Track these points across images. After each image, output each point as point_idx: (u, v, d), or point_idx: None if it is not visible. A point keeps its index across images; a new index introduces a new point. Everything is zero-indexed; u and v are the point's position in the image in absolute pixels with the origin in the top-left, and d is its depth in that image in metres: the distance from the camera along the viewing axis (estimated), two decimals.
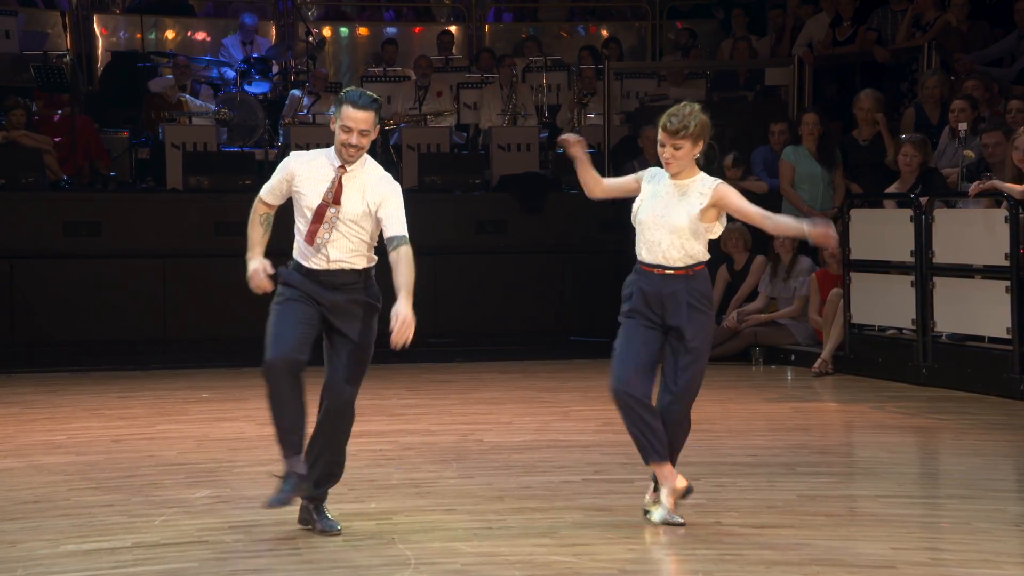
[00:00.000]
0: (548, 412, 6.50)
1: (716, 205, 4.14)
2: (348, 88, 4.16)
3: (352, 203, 4.08)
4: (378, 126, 4.08)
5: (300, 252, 4.14)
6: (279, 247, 4.26)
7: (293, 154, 4.24)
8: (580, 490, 4.59)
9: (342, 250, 4.08)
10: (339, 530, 4.10)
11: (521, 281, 9.76)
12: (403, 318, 3.90)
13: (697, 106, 4.18)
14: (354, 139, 4.02)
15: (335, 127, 4.07)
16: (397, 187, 4.13)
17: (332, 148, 4.13)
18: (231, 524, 4.24)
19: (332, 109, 4.18)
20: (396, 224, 4.08)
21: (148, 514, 4.37)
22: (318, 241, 4.07)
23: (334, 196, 4.07)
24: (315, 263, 4.11)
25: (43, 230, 9.22)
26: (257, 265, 4.12)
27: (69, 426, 6.18)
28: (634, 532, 4.14)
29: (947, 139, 8.00)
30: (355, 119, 4.01)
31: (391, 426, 6.01)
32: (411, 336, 3.91)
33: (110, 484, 4.87)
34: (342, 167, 4.09)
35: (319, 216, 4.06)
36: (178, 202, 9.59)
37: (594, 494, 4.62)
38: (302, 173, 4.12)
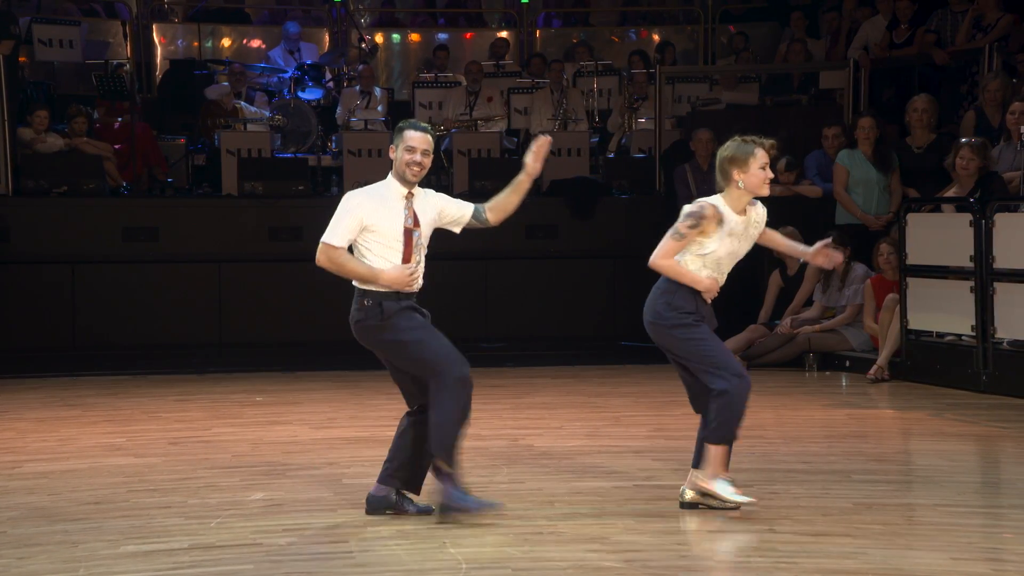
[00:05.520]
0: (599, 417, 6.48)
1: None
2: (403, 121, 4.44)
3: (426, 226, 4.34)
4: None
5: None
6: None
7: (349, 193, 4.36)
8: (631, 496, 4.57)
9: (422, 270, 4.32)
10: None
11: (572, 286, 9.73)
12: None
13: None
14: (418, 157, 4.30)
15: (396, 154, 4.31)
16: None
17: (387, 181, 4.34)
18: (285, 527, 4.29)
19: (391, 138, 4.41)
20: (464, 203, 4.45)
21: (204, 516, 4.44)
22: (414, 264, 4.25)
23: (413, 220, 4.29)
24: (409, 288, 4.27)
25: (103, 235, 9.40)
26: (391, 269, 4.21)
27: (128, 428, 6.29)
28: (686, 539, 4.12)
29: (1007, 143, 7.84)
30: (417, 140, 4.32)
31: None
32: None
33: (167, 486, 4.95)
34: (409, 193, 4.31)
35: (409, 240, 4.27)
36: (233, 207, 9.72)
37: (645, 500, 4.60)
38: (370, 206, 4.28)
